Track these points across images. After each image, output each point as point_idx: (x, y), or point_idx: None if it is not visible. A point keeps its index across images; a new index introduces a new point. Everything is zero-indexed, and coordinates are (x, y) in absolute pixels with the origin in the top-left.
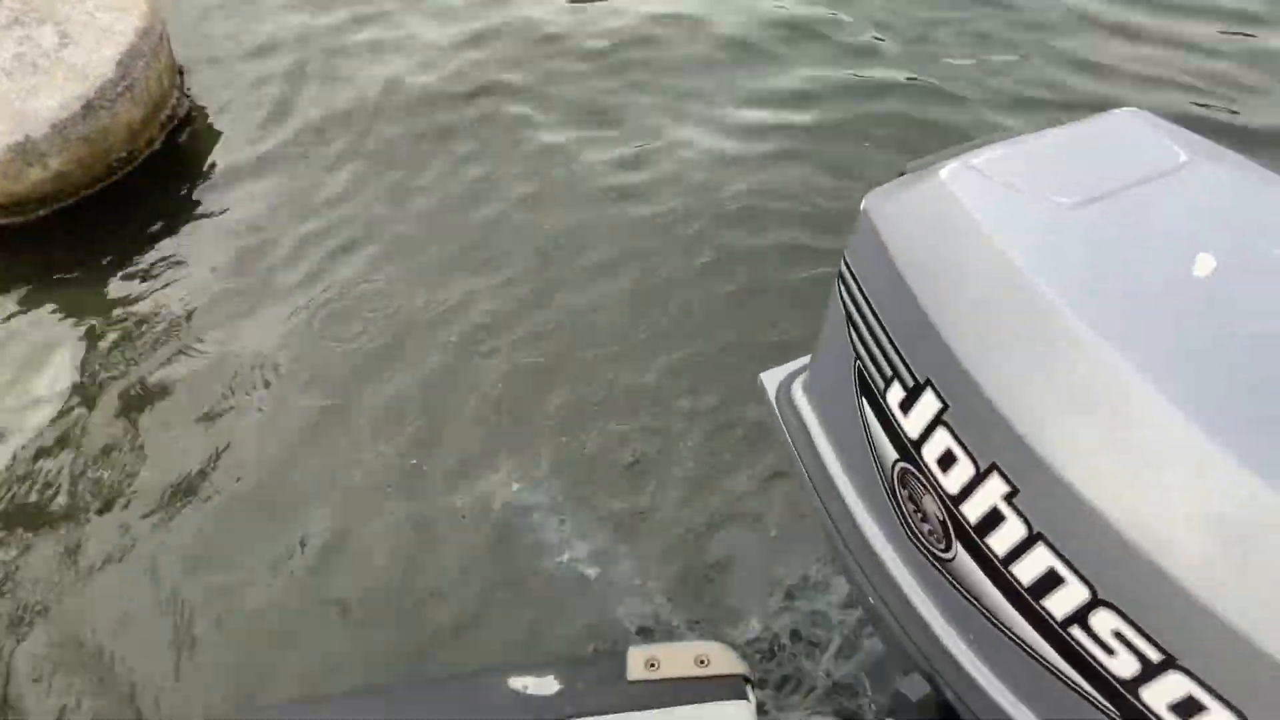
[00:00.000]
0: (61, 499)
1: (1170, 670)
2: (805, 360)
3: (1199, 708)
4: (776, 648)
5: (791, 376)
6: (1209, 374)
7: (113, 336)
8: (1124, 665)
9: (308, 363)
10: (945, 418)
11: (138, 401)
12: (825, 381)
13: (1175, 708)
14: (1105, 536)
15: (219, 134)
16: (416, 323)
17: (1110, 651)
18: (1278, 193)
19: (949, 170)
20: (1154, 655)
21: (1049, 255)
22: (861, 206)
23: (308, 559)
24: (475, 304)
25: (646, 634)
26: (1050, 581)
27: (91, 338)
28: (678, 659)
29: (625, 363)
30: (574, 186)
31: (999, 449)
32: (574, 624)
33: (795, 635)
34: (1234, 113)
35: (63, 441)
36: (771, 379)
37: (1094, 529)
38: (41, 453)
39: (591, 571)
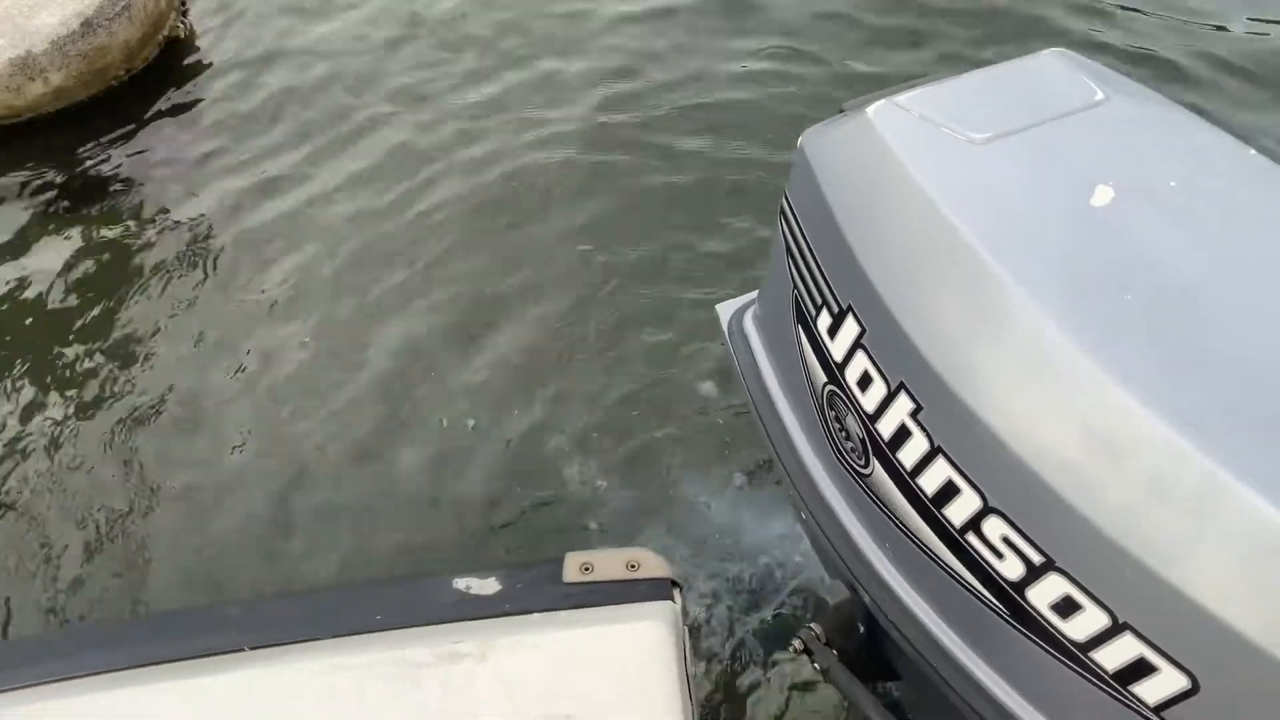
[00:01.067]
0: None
1: (1050, 572)
2: (757, 293)
3: (1076, 606)
4: (711, 558)
5: (744, 308)
6: (1092, 296)
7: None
8: (1011, 568)
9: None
10: (863, 341)
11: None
12: (770, 312)
13: (1055, 607)
14: (992, 447)
15: (216, 57)
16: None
17: (1000, 556)
18: (1190, 130)
19: (875, 108)
20: (1036, 558)
21: (957, 187)
22: (798, 143)
23: None
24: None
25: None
26: (949, 492)
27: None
28: (610, 563)
29: None
30: None
31: (906, 369)
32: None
33: (731, 547)
34: None
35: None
36: (726, 310)
37: (983, 441)
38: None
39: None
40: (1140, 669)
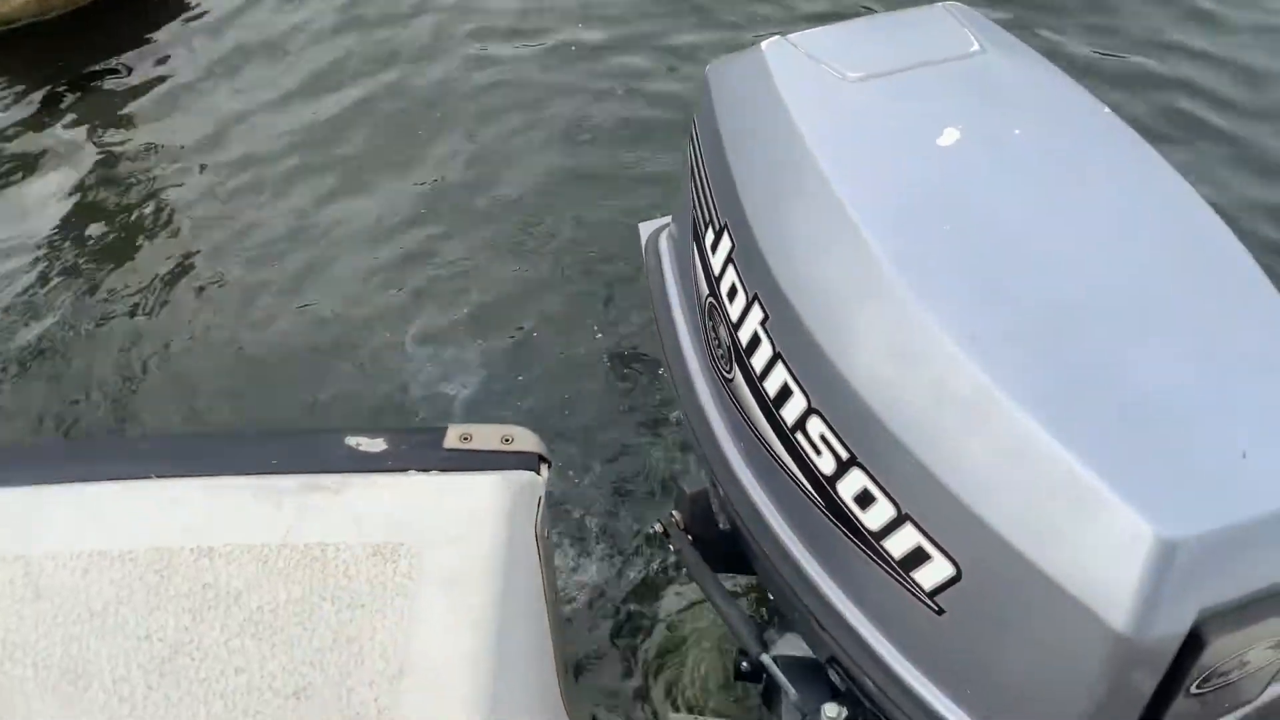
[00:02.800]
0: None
1: (854, 467)
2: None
3: (871, 499)
4: (592, 451)
5: (663, 228)
6: (915, 225)
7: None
8: (827, 464)
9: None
10: (733, 255)
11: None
12: (678, 231)
13: (857, 499)
14: (814, 352)
15: None
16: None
17: (819, 452)
18: (1053, 87)
19: (769, 44)
20: (844, 454)
21: (821, 118)
22: (705, 72)
23: None
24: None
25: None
26: (785, 394)
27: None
28: (487, 435)
29: None
30: None
31: (760, 281)
32: None
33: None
34: None
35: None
36: (646, 228)
37: (808, 346)
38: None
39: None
40: (918, 557)
